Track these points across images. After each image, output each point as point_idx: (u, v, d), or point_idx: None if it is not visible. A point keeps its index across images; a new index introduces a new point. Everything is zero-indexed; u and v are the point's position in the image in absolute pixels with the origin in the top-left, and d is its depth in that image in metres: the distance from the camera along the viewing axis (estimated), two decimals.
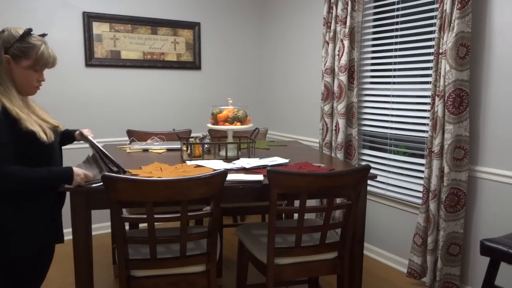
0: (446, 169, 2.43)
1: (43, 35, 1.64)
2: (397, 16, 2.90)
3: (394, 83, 2.97)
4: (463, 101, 2.37)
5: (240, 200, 1.98)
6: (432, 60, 2.63)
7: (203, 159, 2.28)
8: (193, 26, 3.91)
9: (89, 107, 3.52)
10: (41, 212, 1.62)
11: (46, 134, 1.57)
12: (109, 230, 3.49)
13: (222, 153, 2.42)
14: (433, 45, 2.58)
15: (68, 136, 1.96)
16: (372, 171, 3.04)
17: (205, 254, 1.77)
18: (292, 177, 1.70)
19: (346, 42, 3.04)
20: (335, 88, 3.18)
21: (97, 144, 1.78)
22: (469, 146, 2.45)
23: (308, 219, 2.06)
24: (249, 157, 2.33)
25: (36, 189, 1.58)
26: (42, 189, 1.61)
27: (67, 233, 1.78)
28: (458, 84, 2.36)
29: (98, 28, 3.48)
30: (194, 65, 3.97)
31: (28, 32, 1.57)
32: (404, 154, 3.01)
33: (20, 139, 1.52)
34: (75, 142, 2.00)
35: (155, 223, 1.62)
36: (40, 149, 1.58)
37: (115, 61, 3.58)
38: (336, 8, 3.12)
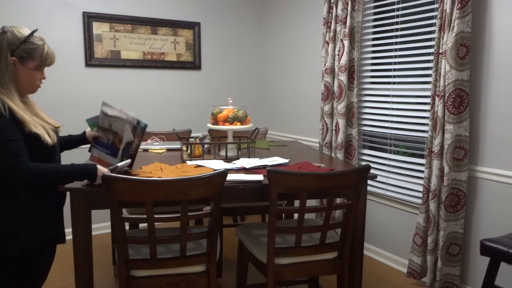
0: (446, 169, 2.43)
1: (34, 32, 1.63)
2: (397, 16, 2.90)
3: (394, 83, 2.97)
4: (463, 101, 2.37)
5: (240, 200, 1.98)
6: (432, 60, 2.63)
7: (203, 159, 2.28)
8: (193, 26, 3.91)
9: (89, 107, 3.52)
10: (41, 211, 1.62)
11: (50, 136, 1.59)
12: (109, 230, 3.49)
13: (222, 153, 2.42)
14: (433, 45, 2.58)
15: (76, 140, 1.99)
16: (372, 171, 3.04)
17: (205, 254, 1.77)
18: (292, 177, 1.70)
19: (346, 42, 3.04)
20: (335, 88, 3.18)
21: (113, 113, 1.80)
22: (469, 146, 2.45)
23: (308, 219, 2.06)
24: (249, 157, 2.33)
25: (55, 183, 1.62)
26: (42, 188, 1.61)
27: (67, 233, 1.78)
28: (458, 84, 2.36)
29: (98, 28, 3.48)
30: (194, 65, 3.97)
31: (32, 33, 1.58)
32: (404, 154, 3.01)
33: (25, 141, 1.52)
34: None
35: (155, 223, 1.62)
36: (44, 151, 1.59)
37: (115, 61, 3.58)
38: (336, 8, 3.12)
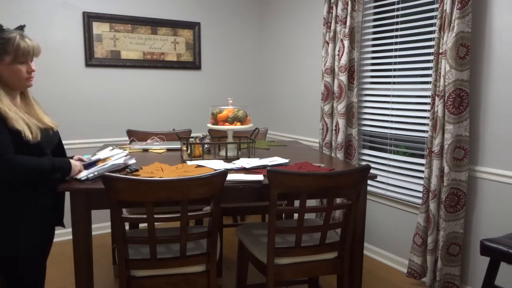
0: (446, 169, 2.43)
1: (21, 27, 1.60)
2: (397, 16, 2.90)
3: (394, 83, 2.97)
4: (463, 101, 2.37)
5: (240, 200, 1.99)
6: (432, 60, 2.63)
7: (203, 159, 2.28)
8: (193, 26, 3.91)
9: (89, 107, 3.52)
10: (41, 211, 1.62)
11: (32, 132, 1.54)
12: (109, 230, 3.49)
13: (222, 153, 2.42)
14: (433, 45, 2.58)
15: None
16: (372, 171, 3.03)
17: (205, 254, 1.77)
18: (292, 177, 1.70)
19: (346, 42, 3.04)
20: (335, 88, 3.18)
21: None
22: (469, 146, 2.45)
23: (308, 219, 2.06)
24: (249, 157, 2.33)
25: (36, 177, 1.58)
26: (42, 188, 1.61)
27: (67, 233, 1.78)
28: (458, 84, 2.36)
29: (98, 28, 3.48)
30: (194, 65, 3.97)
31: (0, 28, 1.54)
32: (404, 154, 3.01)
33: (10, 137, 1.51)
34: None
35: (155, 223, 1.62)
36: (26, 148, 1.54)
37: (115, 61, 3.58)
38: (336, 8, 3.12)
